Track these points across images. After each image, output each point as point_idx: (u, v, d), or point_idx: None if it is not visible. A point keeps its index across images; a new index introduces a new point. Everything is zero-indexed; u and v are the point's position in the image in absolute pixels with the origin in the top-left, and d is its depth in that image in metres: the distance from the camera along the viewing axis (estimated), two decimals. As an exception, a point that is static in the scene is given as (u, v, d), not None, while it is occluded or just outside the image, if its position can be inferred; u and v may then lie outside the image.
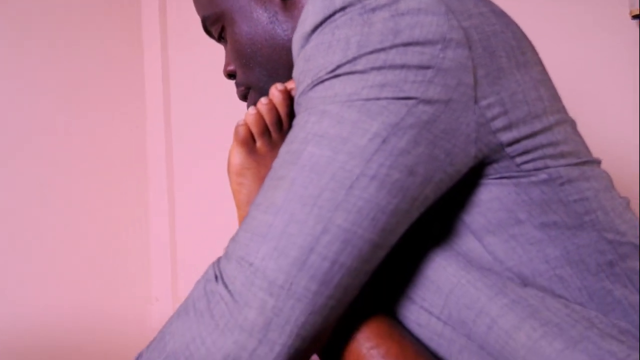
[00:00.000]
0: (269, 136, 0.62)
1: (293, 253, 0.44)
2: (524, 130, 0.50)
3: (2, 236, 1.58)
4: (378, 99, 0.46)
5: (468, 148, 0.49)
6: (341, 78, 0.47)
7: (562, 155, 0.52)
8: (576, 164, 0.53)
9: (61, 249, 1.73)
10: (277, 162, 0.49)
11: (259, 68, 0.67)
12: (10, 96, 1.63)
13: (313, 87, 0.49)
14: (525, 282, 0.50)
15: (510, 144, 0.50)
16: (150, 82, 2.11)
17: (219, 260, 0.49)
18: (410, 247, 0.52)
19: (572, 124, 0.57)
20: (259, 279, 0.45)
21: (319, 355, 0.53)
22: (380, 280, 0.53)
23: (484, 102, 0.49)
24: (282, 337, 0.45)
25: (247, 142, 0.61)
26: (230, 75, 0.72)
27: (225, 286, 0.46)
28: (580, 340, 0.45)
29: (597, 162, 0.57)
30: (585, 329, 0.46)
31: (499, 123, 0.49)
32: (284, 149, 0.49)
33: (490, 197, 0.51)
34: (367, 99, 0.46)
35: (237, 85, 0.71)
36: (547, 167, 0.51)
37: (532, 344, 0.46)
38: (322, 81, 0.48)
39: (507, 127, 0.50)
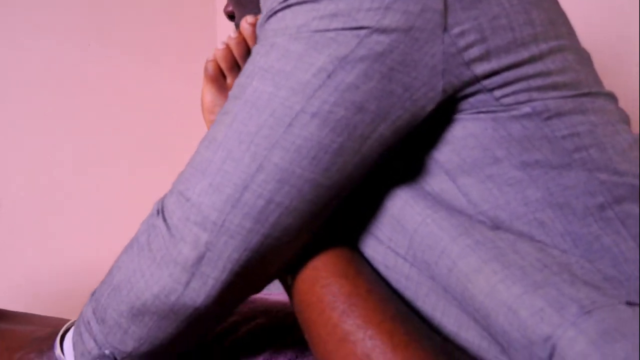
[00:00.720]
0: (239, 71, 0.60)
1: (227, 190, 0.44)
2: (505, 60, 0.46)
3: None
4: (327, 30, 0.44)
5: (433, 81, 0.45)
6: (292, 8, 0.45)
7: (554, 86, 0.47)
8: (572, 96, 0.48)
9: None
10: (228, 96, 0.48)
11: (251, 5, 0.66)
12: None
13: (267, 18, 0.47)
14: (499, 226, 0.46)
15: (488, 76, 0.46)
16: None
17: (165, 195, 0.49)
18: (380, 186, 0.50)
19: (578, 51, 0.51)
20: (194, 215, 0.45)
21: (286, 290, 0.52)
22: (350, 219, 0.51)
23: (456, 30, 0.45)
24: (215, 271, 0.45)
25: (217, 78, 0.61)
26: (230, 16, 0.71)
27: (164, 220, 0.47)
28: (543, 285, 0.41)
29: (607, 95, 0.51)
30: (553, 274, 0.42)
31: (473, 53, 0.45)
32: (235, 82, 0.48)
33: (465, 133, 0.47)
34: (316, 31, 0.44)
35: (236, 26, 0.70)
36: (531, 100, 0.46)
37: (490, 288, 0.42)
38: (275, 12, 0.46)
39: (484, 57, 0.45)
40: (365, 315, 0.43)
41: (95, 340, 0.53)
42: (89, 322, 0.53)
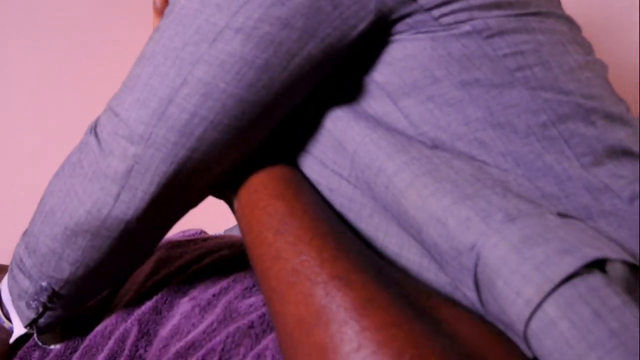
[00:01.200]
0: None
1: (153, 104, 0.45)
2: None
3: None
4: None
5: (364, 1, 0.44)
6: None
7: (497, 5, 0.46)
8: (517, 15, 0.47)
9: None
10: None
11: None
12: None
13: None
14: (439, 147, 0.45)
15: None
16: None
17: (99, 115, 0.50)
18: (323, 109, 0.50)
19: None
20: (122, 129, 0.46)
21: (234, 215, 0.53)
22: (294, 143, 0.52)
23: None
24: (143, 184, 0.46)
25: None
26: None
27: (96, 135, 0.48)
28: (473, 197, 0.41)
29: (560, 16, 0.50)
30: (485, 187, 0.42)
31: None
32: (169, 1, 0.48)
33: (405, 54, 0.46)
34: None
35: None
36: (472, 19, 0.45)
37: (422, 202, 0.42)
38: None
39: None
40: (297, 233, 0.43)
41: (29, 277, 0.53)
42: (21, 260, 0.54)
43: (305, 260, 0.41)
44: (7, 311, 0.58)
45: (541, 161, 0.44)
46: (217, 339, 0.50)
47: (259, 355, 0.47)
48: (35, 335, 0.59)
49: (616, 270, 0.38)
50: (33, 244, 0.53)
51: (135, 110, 0.45)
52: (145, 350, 0.55)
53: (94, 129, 0.49)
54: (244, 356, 0.49)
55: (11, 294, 0.57)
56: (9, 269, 0.57)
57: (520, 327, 0.38)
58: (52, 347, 0.60)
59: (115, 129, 0.46)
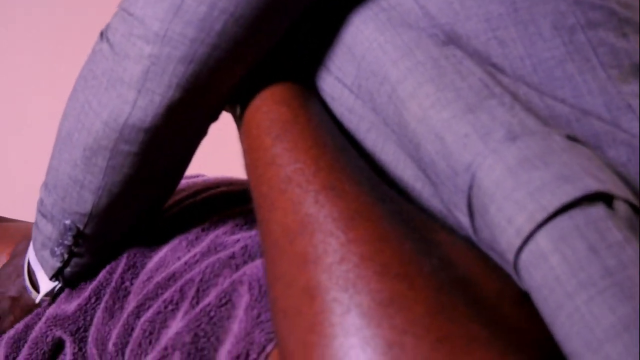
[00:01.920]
0: None
1: None
2: None
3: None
4: None
5: None
6: None
7: None
8: None
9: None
10: None
11: None
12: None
13: None
14: (453, 42, 0.42)
15: None
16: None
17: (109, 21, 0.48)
18: (336, 12, 0.46)
19: None
20: (137, 28, 0.43)
21: (235, 122, 0.51)
22: (307, 52, 0.49)
23: None
24: (160, 86, 0.43)
25: None
26: None
27: (107, 40, 0.46)
28: (475, 109, 0.38)
29: None
30: (492, 96, 0.38)
31: None
32: None
33: None
34: None
35: None
36: None
37: (422, 114, 0.39)
38: None
39: None
40: (296, 140, 0.41)
41: (51, 219, 0.52)
42: (42, 202, 0.53)
43: (299, 168, 0.39)
44: (35, 279, 0.57)
45: (562, 69, 0.39)
46: (196, 269, 0.49)
47: (235, 282, 0.45)
48: (58, 284, 0.57)
49: (620, 208, 0.35)
50: (53, 179, 0.51)
51: (150, 6, 0.43)
52: (131, 283, 0.53)
53: (104, 35, 0.47)
54: (221, 286, 0.46)
55: (34, 246, 0.55)
56: (33, 224, 0.55)
57: (510, 257, 0.35)
58: None
59: (129, 29, 0.44)
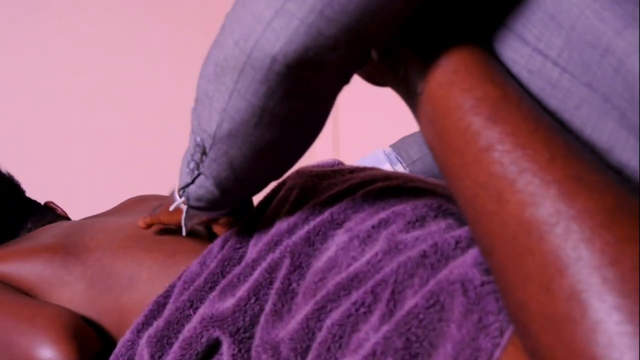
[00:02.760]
0: None
1: None
2: None
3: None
4: None
5: None
6: None
7: None
8: None
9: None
10: None
11: None
12: None
13: None
14: None
15: None
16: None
17: None
18: None
19: None
20: None
21: (409, 100, 0.45)
22: (490, 16, 0.44)
23: None
24: (302, 9, 0.38)
25: None
26: None
27: None
28: None
29: None
30: None
31: None
32: None
33: None
34: None
35: None
36: None
37: None
38: None
39: None
40: (515, 122, 0.36)
41: (192, 131, 0.50)
42: (192, 113, 0.50)
43: (528, 155, 0.35)
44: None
45: None
46: (387, 269, 0.45)
47: (440, 282, 0.41)
48: (185, 208, 0.57)
49: None
50: (197, 93, 0.48)
51: None
52: (298, 284, 0.50)
53: None
54: (420, 287, 0.43)
55: (184, 156, 0.54)
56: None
57: None
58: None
59: None
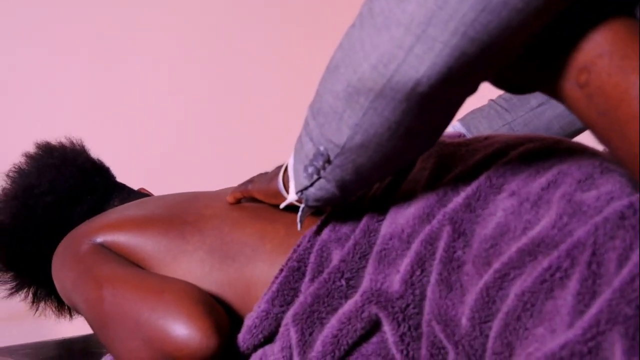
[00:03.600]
0: None
1: None
2: None
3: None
4: None
5: None
6: None
7: None
8: None
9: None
10: None
11: None
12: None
13: None
14: None
15: None
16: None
17: None
18: None
19: None
20: None
21: (563, 95, 0.44)
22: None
23: None
24: (444, 34, 0.39)
25: None
26: None
27: None
28: None
29: None
30: None
31: None
32: None
33: None
34: None
35: None
36: None
37: None
38: None
39: None
40: None
41: (311, 139, 0.50)
42: (307, 121, 0.51)
43: None
44: (288, 186, 0.57)
45: None
46: (581, 232, 0.43)
47: None
48: (302, 206, 0.55)
49: None
50: (317, 104, 0.49)
51: None
52: (464, 252, 0.48)
53: None
54: (623, 249, 0.41)
55: (295, 156, 0.54)
56: (298, 136, 0.53)
57: None
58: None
59: None
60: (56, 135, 0.88)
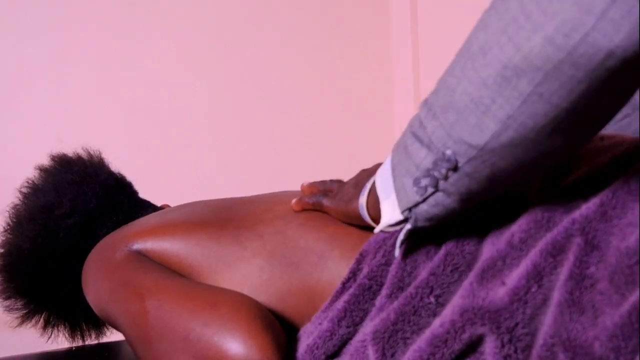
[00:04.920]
0: None
1: None
2: None
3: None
4: None
5: None
6: None
7: None
8: None
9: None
10: None
11: None
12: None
13: None
14: None
15: None
16: None
17: None
18: None
19: None
20: None
21: None
22: None
23: None
24: None
25: None
26: None
27: None
28: None
29: None
30: None
31: None
32: None
33: None
34: None
35: None
36: None
37: None
38: None
39: None
40: None
41: (429, 144, 0.43)
42: (421, 124, 0.44)
43: None
44: (377, 208, 0.49)
45: None
46: None
47: None
48: (407, 227, 0.47)
49: None
50: (444, 100, 0.42)
51: None
52: (597, 268, 0.40)
53: None
54: None
55: (395, 170, 0.47)
56: (395, 146, 0.46)
57: None
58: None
59: None
60: (65, 140, 0.79)
